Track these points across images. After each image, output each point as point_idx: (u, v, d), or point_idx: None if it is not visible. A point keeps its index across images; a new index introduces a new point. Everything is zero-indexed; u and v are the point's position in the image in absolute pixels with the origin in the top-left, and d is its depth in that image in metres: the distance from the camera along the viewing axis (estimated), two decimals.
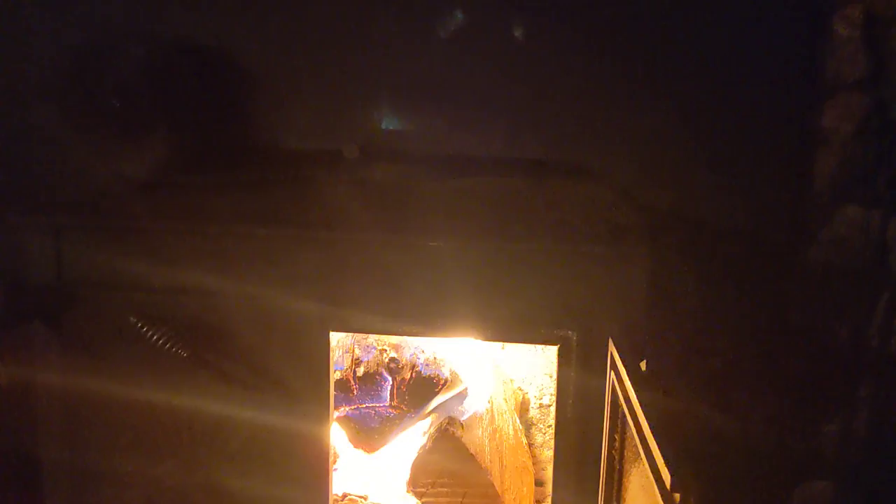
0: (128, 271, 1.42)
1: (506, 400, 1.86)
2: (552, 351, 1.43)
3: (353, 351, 1.76)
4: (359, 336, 1.76)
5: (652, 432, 1.07)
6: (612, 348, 1.34)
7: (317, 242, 1.43)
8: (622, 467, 1.32)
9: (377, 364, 1.76)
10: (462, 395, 1.82)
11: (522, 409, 1.96)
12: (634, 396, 1.16)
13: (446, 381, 1.77)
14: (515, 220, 1.53)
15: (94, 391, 1.46)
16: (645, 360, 1.32)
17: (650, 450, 1.07)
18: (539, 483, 1.86)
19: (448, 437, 1.71)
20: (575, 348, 1.39)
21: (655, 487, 1.04)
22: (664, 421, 1.08)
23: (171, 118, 1.63)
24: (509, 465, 1.76)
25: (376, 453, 1.78)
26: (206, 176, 1.66)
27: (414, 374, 1.77)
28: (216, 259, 1.43)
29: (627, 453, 1.29)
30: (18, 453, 1.53)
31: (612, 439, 1.34)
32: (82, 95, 1.58)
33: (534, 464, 1.86)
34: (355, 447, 1.78)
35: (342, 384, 1.73)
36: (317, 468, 1.47)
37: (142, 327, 1.38)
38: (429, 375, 1.77)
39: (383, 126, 1.83)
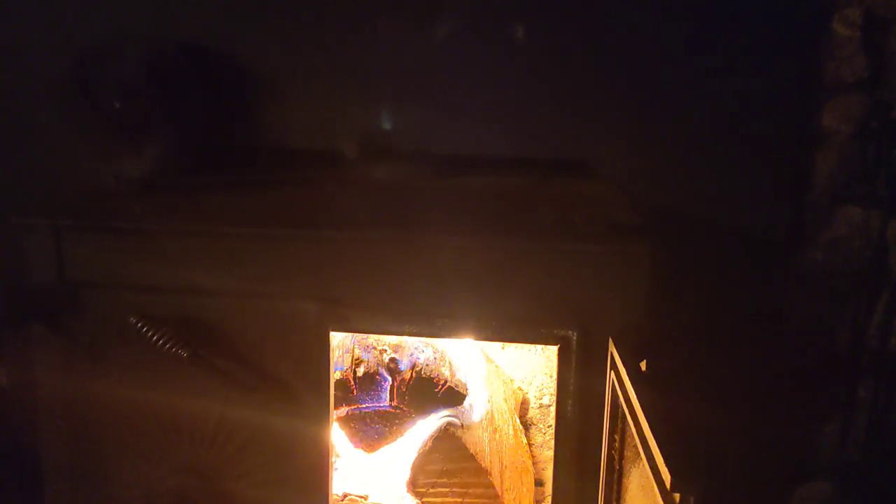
0: (128, 272, 1.42)
1: (506, 400, 1.86)
2: (552, 351, 1.43)
3: (353, 351, 1.76)
4: (359, 336, 1.76)
5: (652, 432, 1.07)
6: (612, 348, 1.34)
7: (317, 242, 1.43)
8: (622, 467, 1.32)
9: (377, 364, 1.76)
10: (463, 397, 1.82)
11: (522, 409, 1.96)
12: (634, 396, 1.16)
13: (446, 381, 1.77)
14: (515, 220, 1.53)
15: (95, 391, 1.46)
16: (645, 360, 1.32)
17: (650, 450, 1.07)
18: (539, 483, 1.86)
19: (448, 437, 1.71)
20: (575, 348, 1.39)
21: (655, 487, 1.04)
22: (664, 421, 1.08)
23: (172, 118, 1.62)
24: (509, 465, 1.76)
25: (376, 453, 1.79)
26: (207, 176, 1.66)
27: (414, 374, 1.77)
28: (216, 259, 1.43)
29: (627, 453, 1.29)
30: (19, 453, 1.53)
31: (612, 439, 1.34)
32: (83, 96, 1.58)
33: (534, 464, 1.86)
34: (355, 447, 1.78)
35: (342, 384, 1.73)
36: (317, 468, 1.47)
37: (142, 327, 1.38)
38: (429, 375, 1.77)
39: (383, 126, 1.83)
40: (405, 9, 1.77)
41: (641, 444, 1.11)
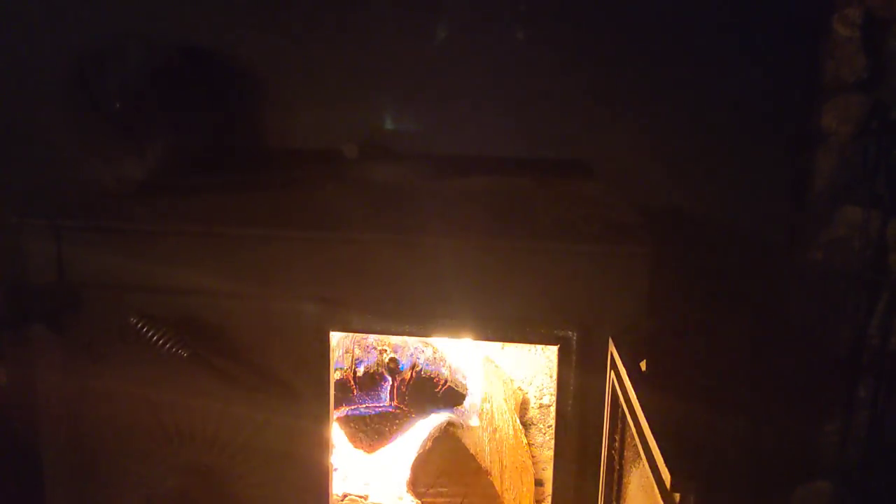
0: (128, 272, 1.42)
1: (506, 400, 1.86)
2: (552, 351, 1.43)
3: (353, 351, 1.76)
4: (359, 336, 1.76)
5: (652, 432, 1.07)
6: (612, 348, 1.34)
7: (317, 242, 1.43)
8: (622, 467, 1.32)
9: (377, 364, 1.76)
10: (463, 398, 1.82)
11: (522, 409, 1.96)
12: (634, 396, 1.16)
13: (446, 381, 1.77)
14: (515, 220, 1.53)
15: (95, 391, 1.46)
16: (645, 360, 1.32)
17: (650, 450, 1.07)
18: (539, 483, 1.86)
19: (448, 437, 1.71)
20: (575, 348, 1.39)
21: (655, 487, 1.04)
22: (664, 421, 1.08)
23: (172, 119, 1.63)
24: (509, 465, 1.76)
25: (376, 453, 1.79)
26: (207, 177, 1.66)
27: (414, 374, 1.77)
28: (216, 259, 1.43)
29: (627, 453, 1.29)
30: (19, 453, 1.53)
31: (612, 439, 1.34)
32: (83, 97, 1.58)
33: (534, 464, 1.86)
34: (355, 447, 1.78)
35: (342, 384, 1.73)
36: (317, 468, 1.47)
37: (142, 327, 1.38)
38: (429, 375, 1.77)
39: (383, 126, 1.83)
40: (406, 9, 1.77)
41: (641, 444, 1.11)
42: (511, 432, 1.82)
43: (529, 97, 1.78)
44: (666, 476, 1.00)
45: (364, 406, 1.79)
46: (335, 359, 1.61)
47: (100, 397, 1.46)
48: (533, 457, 1.88)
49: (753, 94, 1.74)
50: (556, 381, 1.44)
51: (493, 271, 1.40)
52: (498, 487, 1.70)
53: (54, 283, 1.43)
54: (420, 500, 1.73)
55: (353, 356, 1.76)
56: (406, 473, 1.73)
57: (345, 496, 1.77)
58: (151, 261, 1.43)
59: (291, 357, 1.43)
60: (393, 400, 1.80)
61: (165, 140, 1.59)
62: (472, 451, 1.70)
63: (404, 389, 1.77)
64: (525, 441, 1.87)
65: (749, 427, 1.79)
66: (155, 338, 1.38)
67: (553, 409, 1.57)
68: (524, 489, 1.78)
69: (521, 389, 1.96)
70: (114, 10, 1.78)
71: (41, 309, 1.43)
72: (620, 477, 1.33)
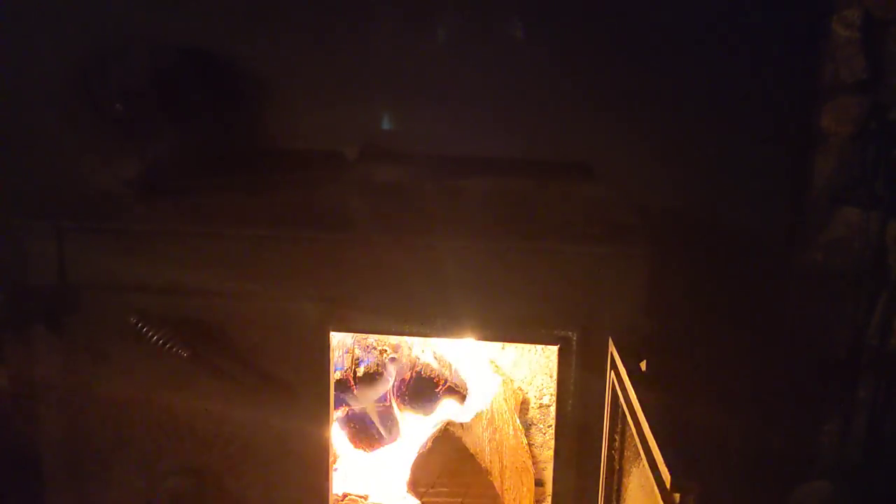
0: (129, 272, 1.43)
1: (506, 400, 1.86)
2: (552, 351, 1.43)
3: (353, 351, 1.77)
4: (359, 336, 1.76)
5: (652, 432, 1.07)
6: (612, 348, 1.34)
7: (317, 242, 1.44)
8: (622, 467, 1.32)
9: (377, 364, 1.77)
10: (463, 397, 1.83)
11: (522, 409, 1.96)
12: (634, 396, 1.16)
13: (446, 381, 1.77)
14: (516, 220, 1.53)
15: (95, 392, 1.46)
16: (645, 360, 1.32)
17: (650, 450, 1.07)
18: (539, 483, 1.86)
19: (448, 437, 1.71)
20: (575, 348, 1.40)
21: (655, 487, 1.04)
22: (664, 421, 1.08)
23: (174, 121, 1.63)
24: (509, 465, 1.76)
25: (376, 453, 1.79)
26: (207, 178, 1.66)
27: (414, 374, 1.77)
28: (216, 259, 1.43)
29: (627, 453, 1.29)
30: (19, 454, 1.54)
31: (612, 439, 1.34)
32: (85, 98, 1.58)
33: (534, 464, 1.86)
34: (355, 447, 1.78)
35: (342, 384, 1.73)
36: (317, 468, 1.47)
37: (142, 328, 1.39)
38: (429, 375, 1.77)
39: (384, 126, 1.83)
40: (406, 10, 1.77)
41: (641, 444, 1.12)
42: (511, 432, 1.82)
43: (529, 98, 1.78)
44: (666, 476, 1.00)
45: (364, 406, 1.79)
46: (335, 359, 1.61)
47: (100, 397, 1.46)
48: (533, 457, 1.89)
49: (753, 95, 1.74)
50: (556, 381, 1.45)
51: (493, 272, 1.40)
52: (498, 487, 1.70)
53: (56, 283, 1.43)
54: (420, 500, 1.73)
55: (353, 356, 1.76)
56: (406, 473, 1.73)
57: (345, 496, 1.77)
58: (151, 261, 1.43)
59: (291, 357, 1.43)
60: (393, 400, 1.80)
61: (166, 141, 1.59)
62: (472, 451, 1.70)
63: (404, 389, 1.78)
64: (525, 441, 1.87)
65: (749, 426, 1.79)
66: (155, 338, 1.38)
67: (553, 409, 1.58)
68: (524, 489, 1.78)
69: (521, 389, 1.96)
70: (116, 11, 1.78)
71: (42, 310, 1.43)
72: (620, 476, 1.33)
